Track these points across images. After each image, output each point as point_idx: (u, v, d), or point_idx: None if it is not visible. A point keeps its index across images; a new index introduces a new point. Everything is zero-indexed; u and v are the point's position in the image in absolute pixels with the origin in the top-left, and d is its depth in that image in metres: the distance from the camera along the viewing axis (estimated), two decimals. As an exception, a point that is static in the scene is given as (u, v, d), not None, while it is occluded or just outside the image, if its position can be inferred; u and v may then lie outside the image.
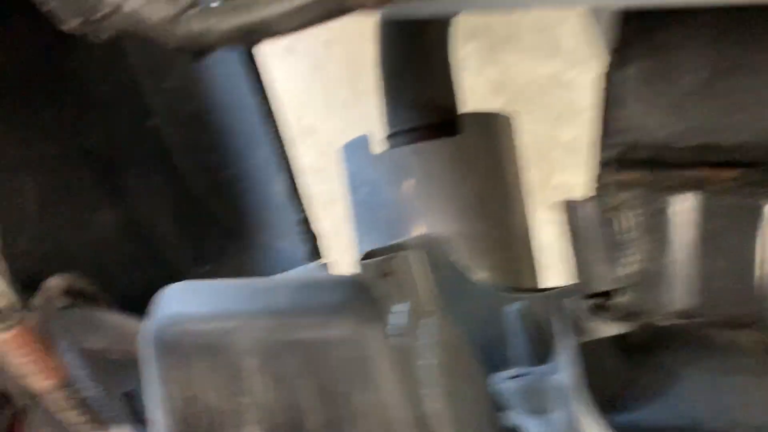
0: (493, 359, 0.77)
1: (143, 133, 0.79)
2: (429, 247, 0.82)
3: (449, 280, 0.81)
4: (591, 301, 0.57)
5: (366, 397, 0.43)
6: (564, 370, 0.69)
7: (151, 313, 0.45)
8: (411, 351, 0.47)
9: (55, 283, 0.62)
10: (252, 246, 0.80)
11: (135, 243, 0.77)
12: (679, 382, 0.68)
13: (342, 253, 0.89)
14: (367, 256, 0.59)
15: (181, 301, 0.45)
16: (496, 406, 0.70)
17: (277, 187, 0.78)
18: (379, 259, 0.55)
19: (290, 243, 0.82)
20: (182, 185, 0.78)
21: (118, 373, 0.59)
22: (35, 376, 0.51)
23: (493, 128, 0.88)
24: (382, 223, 0.85)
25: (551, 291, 0.77)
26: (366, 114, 0.96)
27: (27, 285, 0.61)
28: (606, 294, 0.56)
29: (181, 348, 0.43)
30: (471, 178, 0.86)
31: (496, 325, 0.77)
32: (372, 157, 0.87)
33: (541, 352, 0.75)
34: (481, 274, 0.84)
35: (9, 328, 0.51)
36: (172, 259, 0.79)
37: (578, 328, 0.70)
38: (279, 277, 0.53)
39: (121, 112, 0.79)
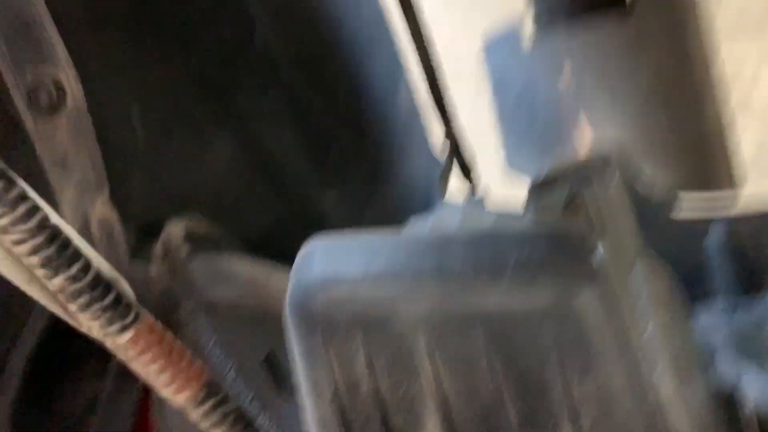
0: (693, 293, 0.64)
1: (252, 49, 0.68)
2: (617, 164, 0.68)
3: (639, 203, 0.67)
4: None
5: (582, 381, 0.31)
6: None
7: (294, 275, 0.35)
8: (633, 315, 0.35)
9: (174, 230, 0.53)
10: (380, 166, 0.69)
11: (257, 174, 0.68)
12: None
13: (486, 167, 0.77)
14: (540, 182, 0.46)
15: (330, 262, 0.34)
16: (704, 354, 0.57)
17: (401, 100, 0.66)
18: (564, 192, 0.42)
19: (422, 161, 0.70)
20: (299, 104, 0.67)
21: (253, 335, 0.50)
22: (167, 387, 0.37)
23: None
24: (539, 129, 0.71)
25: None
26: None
27: (143, 234, 0.53)
28: None
29: (335, 321, 0.33)
30: (647, 62, 0.69)
31: (693, 250, 0.63)
32: (520, 52, 0.72)
33: (751, 282, 0.61)
34: (666, 185, 0.69)
35: (123, 329, 0.35)
36: (297, 188, 0.69)
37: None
38: (443, 226, 0.41)
39: (226, 28, 0.68)
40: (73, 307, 0.35)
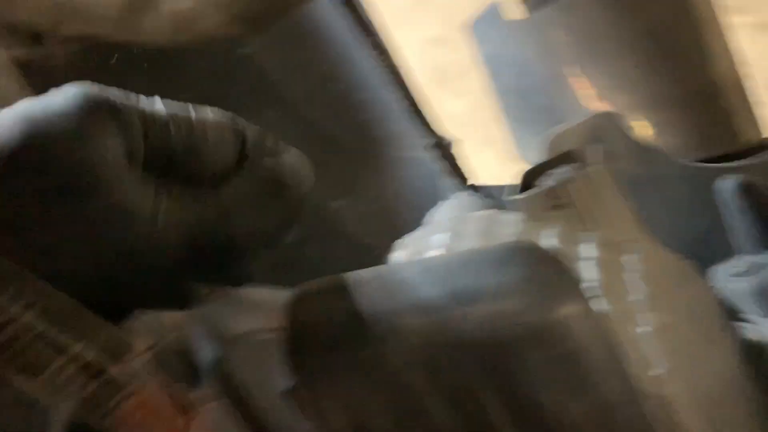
0: (711, 250, 0.62)
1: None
2: (608, 132, 0.66)
3: (641, 164, 0.65)
4: None
5: (576, 400, 0.31)
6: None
7: (289, 325, 0.35)
8: (625, 320, 0.34)
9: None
10: (381, 167, 0.69)
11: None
12: None
13: (482, 144, 0.76)
14: (528, 176, 0.46)
15: (316, 308, 0.35)
16: (727, 313, 0.56)
17: (393, 97, 0.65)
18: (548, 187, 0.42)
19: (422, 155, 0.70)
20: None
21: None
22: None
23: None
24: (540, 110, 0.70)
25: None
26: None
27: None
28: None
29: (326, 370, 0.34)
30: (644, 15, 0.66)
31: (708, 207, 0.61)
32: (512, 29, 0.70)
33: (773, 232, 0.59)
34: (679, 143, 0.67)
35: (121, 400, 0.31)
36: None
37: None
38: (422, 252, 0.41)
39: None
40: None
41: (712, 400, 0.38)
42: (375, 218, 0.69)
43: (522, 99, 0.70)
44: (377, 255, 0.53)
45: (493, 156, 0.74)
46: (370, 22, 0.64)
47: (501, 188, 0.51)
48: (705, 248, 0.62)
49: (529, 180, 0.45)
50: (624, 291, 0.37)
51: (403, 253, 0.44)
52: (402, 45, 0.65)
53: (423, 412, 0.33)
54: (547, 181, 0.43)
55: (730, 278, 0.57)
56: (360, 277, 0.35)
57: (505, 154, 0.74)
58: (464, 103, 0.89)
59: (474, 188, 0.64)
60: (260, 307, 0.52)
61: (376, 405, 0.34)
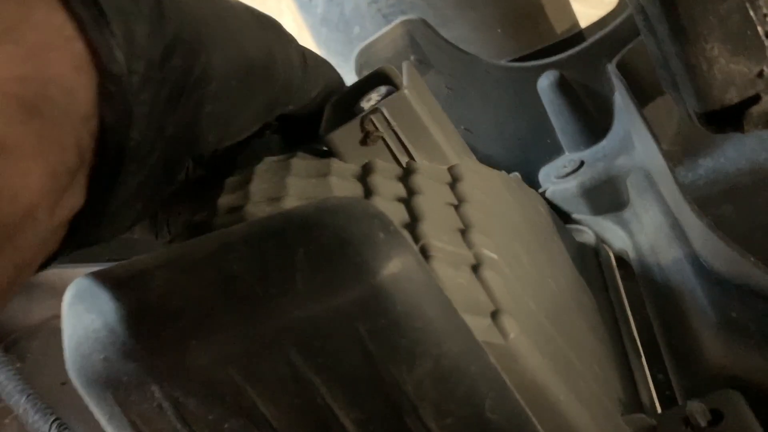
0: (539, 150, 0.61)
1: None
2: (419, 38, 0.62)
3: (458, 70, 0.62)
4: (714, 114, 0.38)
5: (411, 369, 0.27)
6: (633, 146, 0.53)
7: (66, 330, 0.29)
8: (452, 263, 0.31)
9: None
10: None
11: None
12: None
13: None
14: (340, 101, 0.41)
15: (102, 304, 0.28)
16: (559, 217, 0.55)
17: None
18: (356, 120, 0.37)
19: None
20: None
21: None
22: None
23: None
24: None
25: (590, 43, 0.58)
26: None
27: None
28: (747, 101, 0.37)
29: (122, 377, 0.28)
30: None
31: (531, 107, 0.59)
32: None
33: (593, 126, 0.59)
34: (489, 43, 0.65)
35: None
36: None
37: (640, 89, 0.52)
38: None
39: None
40: None
41: (552, 321, 0.36)
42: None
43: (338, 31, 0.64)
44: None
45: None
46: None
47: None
48: (533, 149, 0.61)
49: (337, 104, 0.40)
50: (447, 231, 0.33)
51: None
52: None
53: (241, 410, 0.28)
54: (356, 107, 0.38)
55: (557, 180, 0.56)
56: (145, 266, 0.29)
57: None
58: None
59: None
60: (52, 294, 0.44)
61: (186, 412, 0.29)
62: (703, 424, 0.35)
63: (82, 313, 0.29)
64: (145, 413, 0.28)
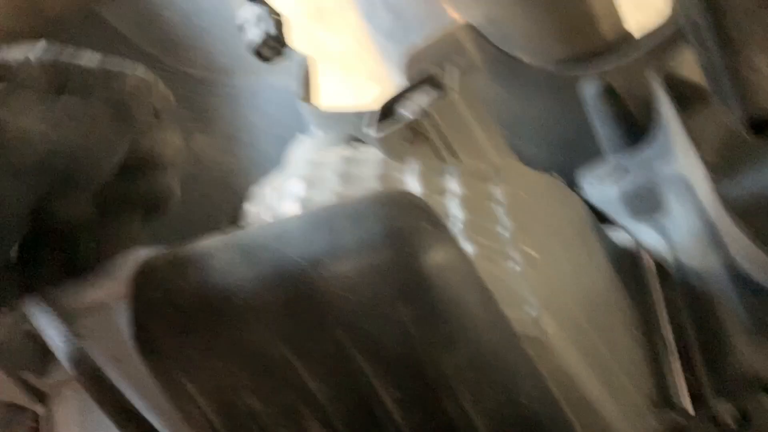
0: (581, 153, 0.62)
1: None
2: (467, 44, 0.63)
3: (504, 75, 0.63)
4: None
5: (451, 353, 0.29)
6: (674, 155, 0.54)
7: (134, 301, 0.31)
8: (494, 259, 0.33)
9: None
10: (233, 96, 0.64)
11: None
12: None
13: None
14: (388, 104, 0.43)
15: (169, 280, 0.31)
16: (598, 219, 0.56)
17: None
18: (405, 122, 0.39)
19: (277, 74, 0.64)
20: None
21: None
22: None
23: None
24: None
25: (639, 50, 0.58)
26: None
27: None
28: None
29: (185, 347, 0.30)
30: None
31: (574, 111, 0.60)
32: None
33: (636, 133, 0.59)
34: (538, 48, 0.66)
35: None
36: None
37: (685, 99, 0.53)
38: (275, 207, 0.37)
39: None
40: None
41: (589, 319, 0.37)
42: (232, 153, 0.64)
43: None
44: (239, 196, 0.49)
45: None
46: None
47: (361, 115, 0.47)
48: (575, 152, 0.62)
49: (390, 106, 0.42)
50: (490, 228, 0.35)
51: (255, 208, 0.41)
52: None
53: (291, 384, 0.30)
54: (407, 110, 0.40)
55: (598, 183, 0.57)
56: (207, 248, 0.31)
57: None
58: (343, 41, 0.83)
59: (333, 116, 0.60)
60: (104, 276, 0.47)
61: (241, 384, 0.31)
62: (732, 424, 0.36)
63: (148, 290, 0.32)
64: (203, 384, 0.31)
